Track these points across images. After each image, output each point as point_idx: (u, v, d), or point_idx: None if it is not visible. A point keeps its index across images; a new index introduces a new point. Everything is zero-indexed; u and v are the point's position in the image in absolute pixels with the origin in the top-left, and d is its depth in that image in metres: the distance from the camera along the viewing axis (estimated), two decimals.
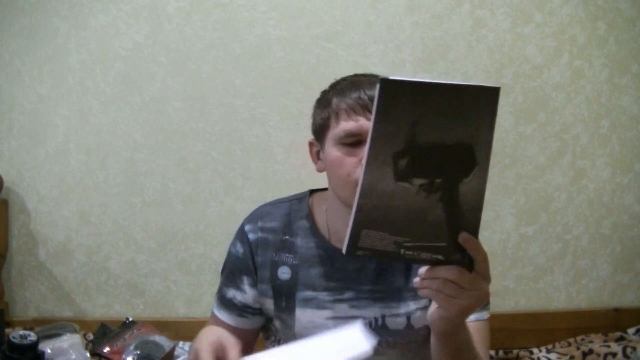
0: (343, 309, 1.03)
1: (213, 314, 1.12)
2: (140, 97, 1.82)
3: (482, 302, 0.74)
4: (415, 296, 1.01)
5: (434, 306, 0.80)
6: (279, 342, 1.10)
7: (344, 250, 0.70)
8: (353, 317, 1.02)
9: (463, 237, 0.69)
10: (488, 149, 0.69)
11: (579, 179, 1.82)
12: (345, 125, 0.95)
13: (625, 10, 1.78)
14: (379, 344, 1.00)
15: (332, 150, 0.97)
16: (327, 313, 1.03)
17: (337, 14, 1.77)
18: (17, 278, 1.88)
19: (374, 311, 1.02)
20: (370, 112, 0.92)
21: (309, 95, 1.13)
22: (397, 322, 1.02)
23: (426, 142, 0.65)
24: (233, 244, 1.11)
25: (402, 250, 0.69)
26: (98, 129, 1.83)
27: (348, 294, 1.02)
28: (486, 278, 0.73)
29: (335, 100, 0.98)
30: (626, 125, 1.82)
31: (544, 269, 1.84)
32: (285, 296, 1.04)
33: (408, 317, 1.02)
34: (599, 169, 1.82)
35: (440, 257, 0.70)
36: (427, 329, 1.01)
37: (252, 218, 1.09)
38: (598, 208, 1.83)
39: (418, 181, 0.66)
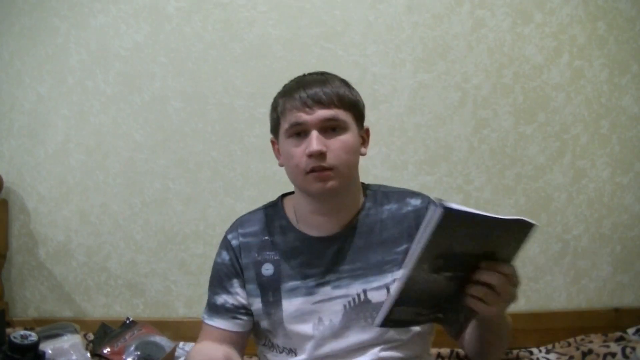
0: (327, 291, 1.08)
1: (205, 325, 1.15)
2: (140, 97, 1.82)
3: (513, 302, 0.90)
4: (392, 268, 1.08)
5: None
6: (270, 343, 1.13)
7: (376, 323, 0.90)
8: (336, 298, 1.07)
9: (486, 264, 0.86)
10: (511, 255, 0.88)
11: (579, 179, 1.82)
12: (290, 119, 1.04)
13: (625, 10, 1.78)
14: (365, 320, 1.07)
15: (284, 145, 1.07)
16: (313, 298, 1.08)
17: (337, 14, 1.77)
18: (17, 278, 1.88)
19: (355, 288, 1.07)
20: (309, 107, 1.03)
21: None
22: (378, 295, 1.07)
23: (460, 251, 0.83)
24: (218, 255, 1.17)
25: (417, 317, 0.92)
26: (98, 129, 1.83)
27: (329, 277, 1.08)
28: (515, 284, 0.89)
29: (281, 102, 1.07)
30: (626, 125, 1.82)
31: (544, 269, 1.84)
32: (272, 290, 1.10)
33: (387, 288, 1.07)
34: (599, 169, 1.82)
35: (440, 315, 0.92)
36: None
37: (232, 228, 1.17)
38: (598, 208, 1.83)
39: (446, 274, 0.85)
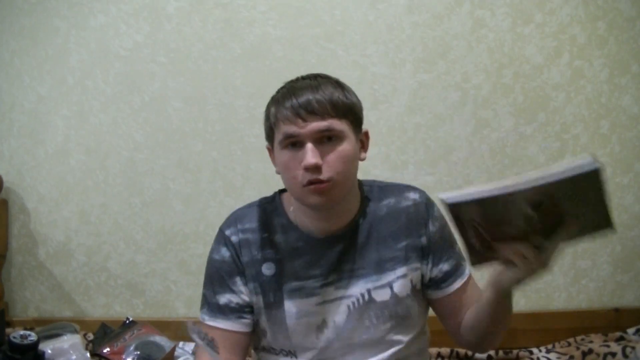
0: (330, 292, 1.06)
1: (206, 327, 1.09)
2: (140, 97, 1.82)
3: (532, 280, 0.97)
4: (394, 266, 1.07)
5: (497, 273, 0.97)
6: (267, 344, 1.10)
7: (448, 199, 0.90)
8: (340, 298, 1.06)
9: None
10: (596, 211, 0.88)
11: None
12: (283, 130, 1.00)
13: (625, 10, 1.78)
14: (370, 320, 1.06)
15: (279, 155, 1.03)
16: (315, 299, 1.06)
17: (337, 14, 1.77)
18: (17, 278, 1.88)
19: (359, 288, 1.06)
20: (302, 118, 0.98)
21: None
22: (382, 294, 1.06)
23: (557, 205, 0.88)
24: (215, 251, 1.13)
25: (468, 226, 0.94)
26: (98, 129, 1.83)
27: (332, 277, 1.06)
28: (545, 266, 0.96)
29: (272, 110, 1.03)
30: (626, 125, 1.82)
31: None
32: (273, 291, 1.07)
33: (391, 286, 1.06)
34: None
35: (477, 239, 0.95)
36: (410, 299, 1.08)
37: (229, 223, 1.13)
38: None
39: (530, 213, 0.91)
